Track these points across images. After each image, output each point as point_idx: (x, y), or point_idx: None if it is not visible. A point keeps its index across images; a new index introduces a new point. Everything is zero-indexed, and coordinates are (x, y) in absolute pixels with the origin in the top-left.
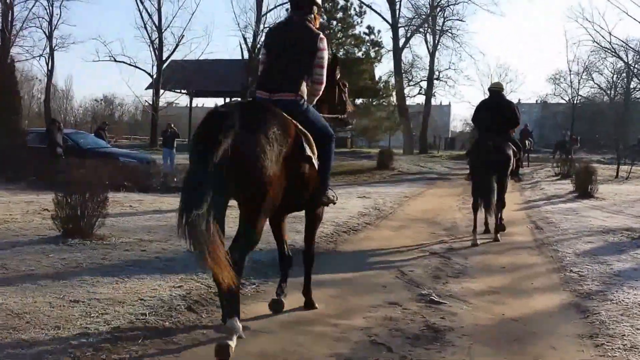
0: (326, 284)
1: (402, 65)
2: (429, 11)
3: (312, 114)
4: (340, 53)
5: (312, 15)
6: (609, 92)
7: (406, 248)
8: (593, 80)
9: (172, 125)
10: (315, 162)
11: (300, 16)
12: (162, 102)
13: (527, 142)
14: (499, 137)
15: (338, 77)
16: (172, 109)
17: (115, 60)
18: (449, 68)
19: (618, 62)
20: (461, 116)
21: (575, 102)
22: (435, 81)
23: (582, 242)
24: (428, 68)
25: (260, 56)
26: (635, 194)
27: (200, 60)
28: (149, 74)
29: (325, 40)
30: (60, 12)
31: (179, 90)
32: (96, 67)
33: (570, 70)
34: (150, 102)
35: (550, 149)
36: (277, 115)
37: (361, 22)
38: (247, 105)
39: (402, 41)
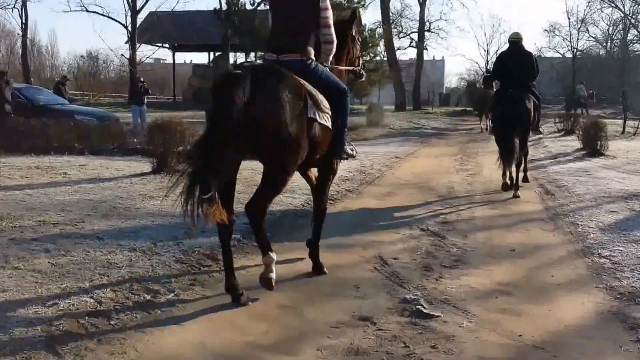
0: (278, 283)
1: (391, 14)
2: None
3: (321, 73)
4: None
5: None
6: (605, 44)
7: (392, 223)
8: (588, 33)
9: (143, 80)
10: (323, 122)
11: None
12: (143, 56)
13: None
14: (520, 89)
15: (354, 32)
16: (158, 65)
17: (87, 11)
18: (440, 19)
19: (614, 13)
20: (456, 71)
21: (574, 54)
22: (426, 33)
23: (604, 212)
24: (418, 19)
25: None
26: None
27: (179, 12)
28: (123, 25)
29: (327, 0)
30: None
31: (159, 44)
32: (81, 21)
33: (569, 19)
34: (128, 57)
35: (548, 104)
36: (288, 78)
37: None
38: (259, 69)
39: None
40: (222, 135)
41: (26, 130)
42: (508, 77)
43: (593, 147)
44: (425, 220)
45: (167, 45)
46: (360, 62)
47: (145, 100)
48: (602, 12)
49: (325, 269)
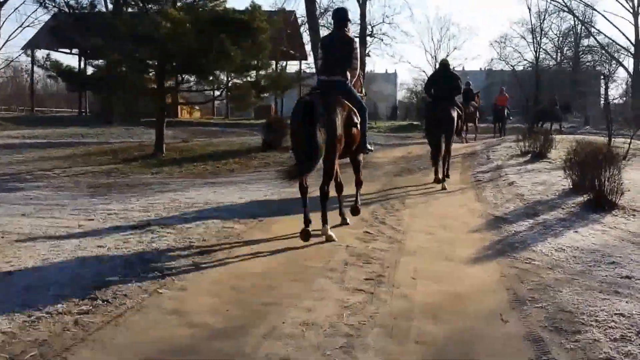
0: None
1: (318, 8)
2: None
3: (353, 91)
4: None
5: (347, 28)
6: (554, 56)
7: None
8: (539, 44)
9: None
10: (357, 126)
11: (341, 29)
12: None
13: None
14: (446, 102)
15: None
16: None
17: None
18: (383, 22)
19: (563, 24)
20: (408, 84)
21: (537, 57)
22: (368, 38)
23: None
24: (359, 23)
25: (318, 53)
26: None
27: (87, 13)
28: None
29: (357, 41)
30: None
31: (67, 50)
32: None
33: (531, 24)
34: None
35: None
36: (338, 100)
37: None
38: (322, 96)
39: None
40: (313, 138)
41: None
42: (437, 93)
43: (598, 191)
44: None
45: (75, 51)
46: (363, 90)
47: None
48: (552, 22)
49: (348, 221)
